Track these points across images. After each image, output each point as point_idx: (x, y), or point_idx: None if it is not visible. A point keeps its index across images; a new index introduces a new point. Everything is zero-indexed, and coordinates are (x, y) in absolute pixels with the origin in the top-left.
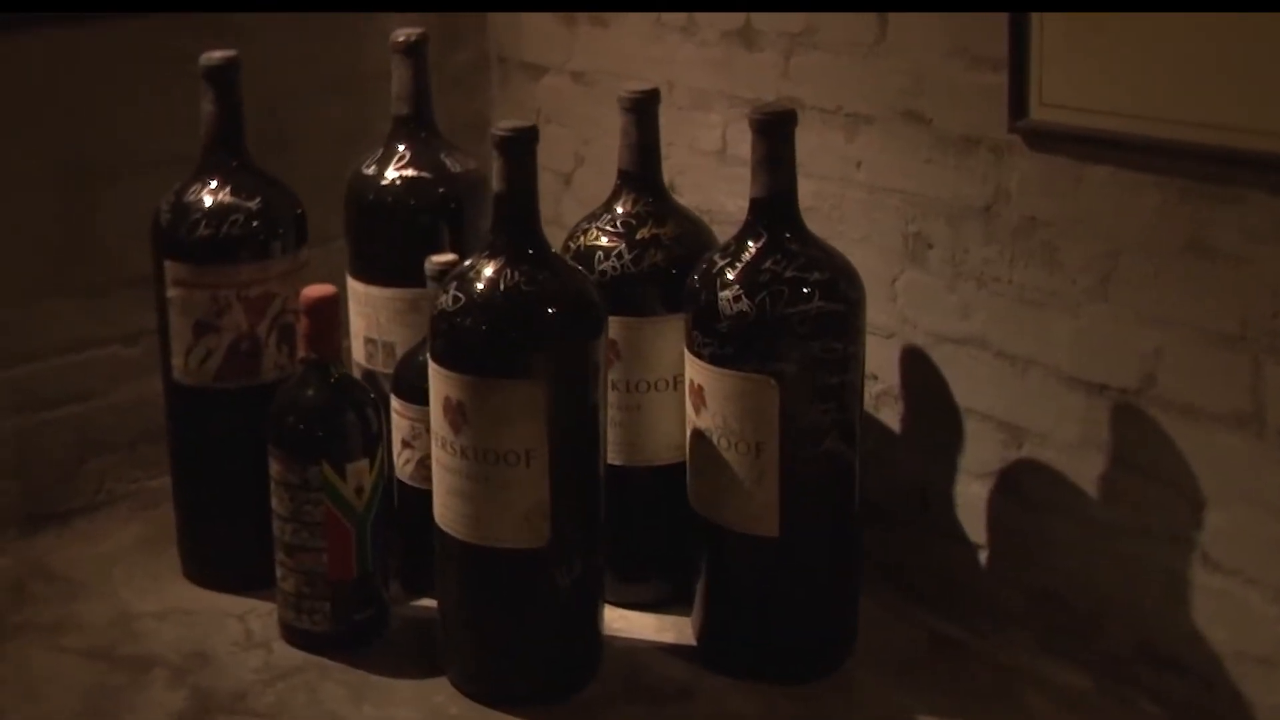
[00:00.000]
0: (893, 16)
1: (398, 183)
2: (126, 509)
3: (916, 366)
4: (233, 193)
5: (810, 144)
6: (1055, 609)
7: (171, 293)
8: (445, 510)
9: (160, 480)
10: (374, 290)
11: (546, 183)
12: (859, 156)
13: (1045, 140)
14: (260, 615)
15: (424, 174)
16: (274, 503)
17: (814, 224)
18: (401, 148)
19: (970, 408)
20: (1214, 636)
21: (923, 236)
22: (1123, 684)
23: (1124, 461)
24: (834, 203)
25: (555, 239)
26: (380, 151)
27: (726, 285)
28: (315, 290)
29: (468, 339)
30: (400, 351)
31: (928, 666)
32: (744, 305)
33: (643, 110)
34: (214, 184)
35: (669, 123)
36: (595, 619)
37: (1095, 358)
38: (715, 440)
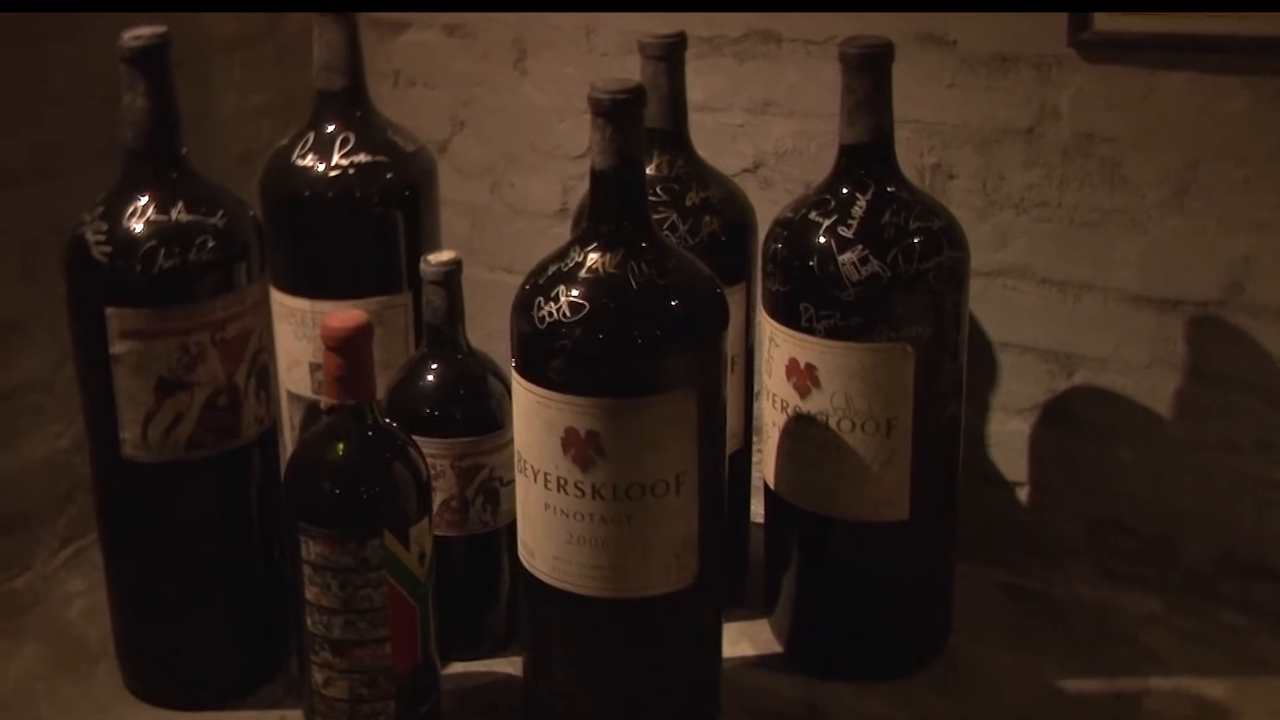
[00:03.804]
0: None
1: (350, 172)
2: None
3: None
4: (189, 208)
5: (791, 79)
6: (1119, 535)
7: (120, 348)
8: (564, 564)
9: (24, 577)
10: (324, 305)
11: None
12: None
13: (1109, 51)
14: None
15: (379, 158)
16: (311, 594)
17: (797, 169)
18: (331, 129)
19: (1007, 342)
20: None
21: (943, 168)
22: (1199, 599)
23: (1202, 375)
24: (822, 142)
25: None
26: (310, 137)
27: (846, 246)
28: (342, 320)
29: (602, 354)
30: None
31: (1025, 622)
32: (875, 266)
33: (673, 57)
34: (154, 200)
35: (591, 71)
36: (721, 653)
37: (1168, 274)
38: (833, 424)
